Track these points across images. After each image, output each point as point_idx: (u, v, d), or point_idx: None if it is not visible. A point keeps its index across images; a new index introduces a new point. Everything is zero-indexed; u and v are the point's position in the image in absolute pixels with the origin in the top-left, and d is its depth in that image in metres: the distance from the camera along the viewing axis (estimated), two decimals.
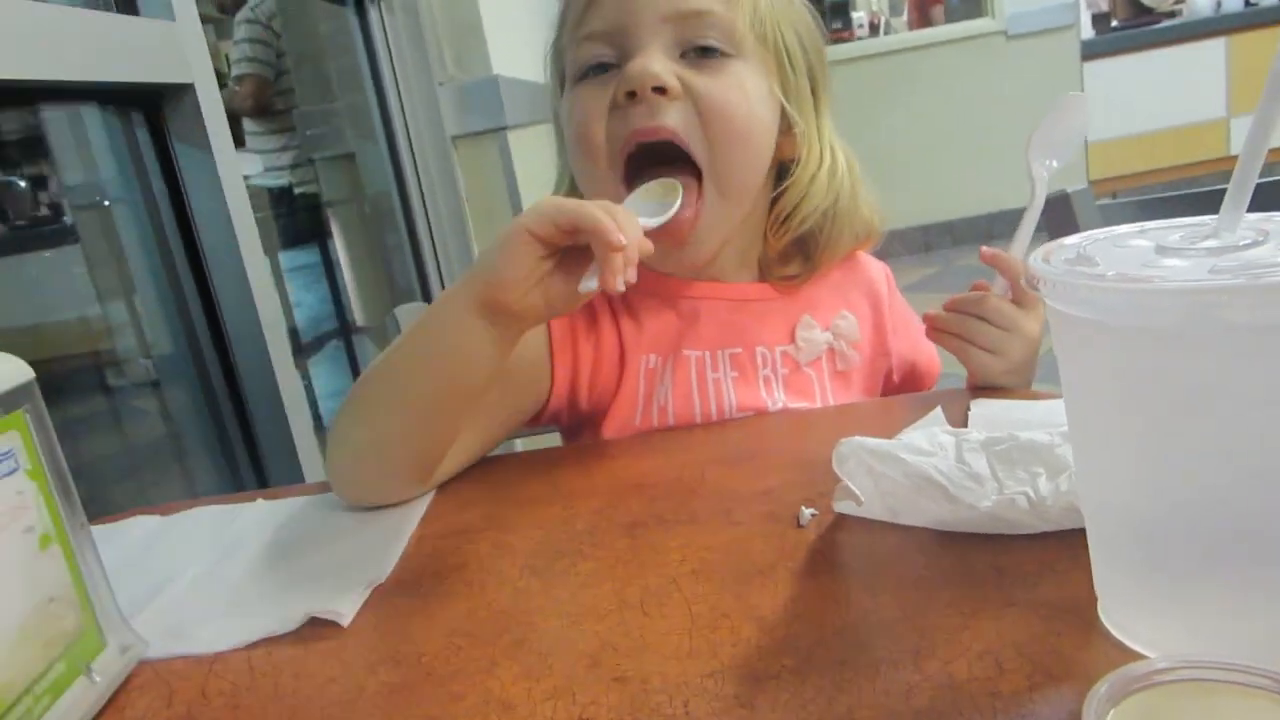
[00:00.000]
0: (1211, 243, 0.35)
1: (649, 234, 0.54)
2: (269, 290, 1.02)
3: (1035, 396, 0.64)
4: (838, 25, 5.34)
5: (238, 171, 1.02)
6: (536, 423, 0.71)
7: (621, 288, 0.49)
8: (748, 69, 0.66)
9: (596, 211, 0.50)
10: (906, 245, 4.50)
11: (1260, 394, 0.33)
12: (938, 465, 0.44)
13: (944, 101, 4.45)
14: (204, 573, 0.54)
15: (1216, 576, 0.35)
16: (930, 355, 0.80)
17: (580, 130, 0.66)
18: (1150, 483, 0.37)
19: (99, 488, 1.20)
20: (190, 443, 1.15)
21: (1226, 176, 0.37)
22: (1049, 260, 0.37)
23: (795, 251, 0.72)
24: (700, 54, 0.64)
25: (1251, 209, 0.37)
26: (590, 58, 0.66)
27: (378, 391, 0.59)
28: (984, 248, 0.66)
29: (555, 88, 0.71)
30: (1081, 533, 0.39)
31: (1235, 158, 0.36)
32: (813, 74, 0.70)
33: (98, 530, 0.61)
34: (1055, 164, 0.66)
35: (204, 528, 0.61)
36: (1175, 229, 0.38)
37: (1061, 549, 0.42)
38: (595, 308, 0.70)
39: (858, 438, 0.47)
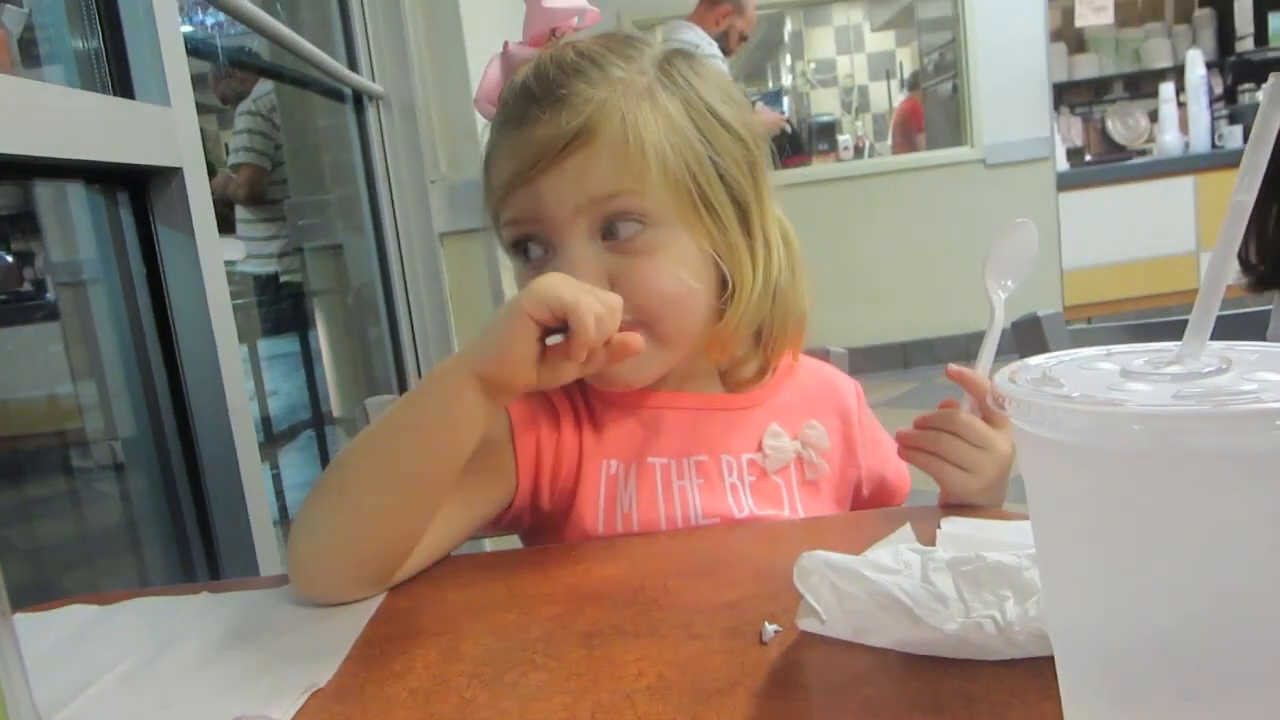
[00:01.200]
0: (1176, 368, 0.35)
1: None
2: (239, 378, 1.01)
3: (1006, 517, 0.63)
4: (824, 146, 5.55)
5: (219, 257, 1.02)
6: (499, 524, 0.69)
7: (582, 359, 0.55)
8: (671, 238, 0.65)
9: (585, 314, 0.54)
10: (886, 361, 4.55)
11: (1228, 521, 0.33)
12: (902, 584, 0.43)
13: (925, 223, 4.59)
14: (134, 669, 0.51)
15: (1190, 709, 0.34)
16: (900, 471, 0.80)
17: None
18: (1119, 610, 0.36)
19: (51, 572, 1.16)
20: (147, 530, 1.12)
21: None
22: (1015, 379, 0.37)
23: (751, 356, 0.73)
24: (618, 235, 0.64)
25: (1215, 338, 0.38)
26: (517, 236, 0.68)
27: (357, 468, 0.59)
28: (950, 365, 0.66)
29: (490, 221, 0.72)
30: (1051, 660, 0.38)
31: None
32: (745, 189, 0.68)
33: (29, 619, 0.58)
34: (1011, 284, 0.68)
35: (141, 620, 0.58)
36: (1140, 354, 0.38)
37: (1030, 677, 0.41)
38: (557, 408, 0.70)
39: (820, 552, 0.46)
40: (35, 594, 0.62)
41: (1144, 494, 0.34)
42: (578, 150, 0.63)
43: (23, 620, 0.55)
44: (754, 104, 4.87)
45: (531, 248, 0.67)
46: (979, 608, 0.42)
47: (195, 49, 1.97)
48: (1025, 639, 0.41)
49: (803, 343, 0.74)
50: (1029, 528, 0.58)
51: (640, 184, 0.64)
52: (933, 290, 4.57)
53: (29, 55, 1.00)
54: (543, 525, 0.70)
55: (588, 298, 0.55)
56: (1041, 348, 1.14)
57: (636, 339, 0.58)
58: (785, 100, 5.98)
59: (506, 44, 0.71)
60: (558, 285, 0.55)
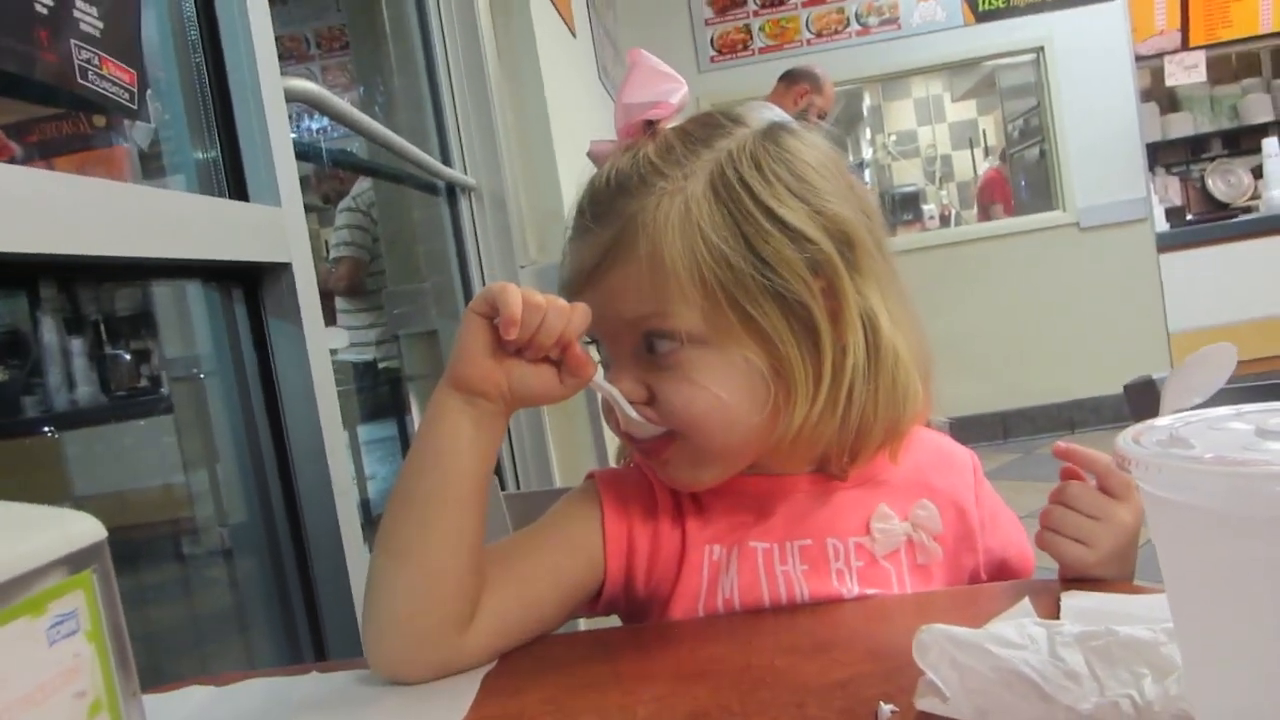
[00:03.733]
0: None
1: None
2: (343, 462, 1.04)
3: (1133, 590, 0.60)
4: (909, 216, 5.52)
5: (325, 346, 1.07)
6: (594, 610, 0.68)
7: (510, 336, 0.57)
8: (706, 355, 0.63)
9: (509, 295, 0.57)
10: (985, 432, 4.41)
11: None
12: (1029, 660, 0.41)
13: (1019, 290, 4.48)
14: None
15: None
16: (1023, 551, 0.74)
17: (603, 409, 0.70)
18: (1267, 688, 0.34)
19: (162, 656, 1.19)
20: (254, 614, 1.15)
21: None
22: (1139, 441, 0.36)
23: (834, 453, 0.67)
24: (655, 348, 0.64)
25: None
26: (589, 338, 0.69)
27: (386, 516, 0.61)
28: (1058, 443, 0.64)
29: None
30: None
31: None
32: (803, 290, 0.62)
33: (150, 700, 0.60)
34: (1196, 401, 0.63)
35: (256, 701, 0.59)
36: (1275, 412, 0.36)
37: None
38: (656, 495, 0.69)
39: (941, 626, 0.44)
40: (150, 676, 0.64)
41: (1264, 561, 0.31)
42: (611, 269, 0.63)
43: (146, 701, 0.56)
44: None
45: (599, 350, 0.68)
46: (1114, 686, 0.39)
47: (301, 152, 2.09)
48: None
49: (901, 443, 0.68)
50: (1158, 601, 0.54)
51: (667, 304, 0.62)
52: (1030, 358, 4.43)
53: (156, 167, 1.08)
54: (640, 610, 0.68)
55: (521, 291, 0.57)
56: (1155, 413, 1.08)
57: (587, 365, 0.60)
58: (867, 173, 5.99)
59: (592, 147, 0.71)
60: (506, 285, 0.58)
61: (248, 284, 1.02)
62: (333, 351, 1.17)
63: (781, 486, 0.69)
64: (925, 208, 5.57)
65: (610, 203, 0.64)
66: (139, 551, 1.28)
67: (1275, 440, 0.34)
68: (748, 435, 0.64)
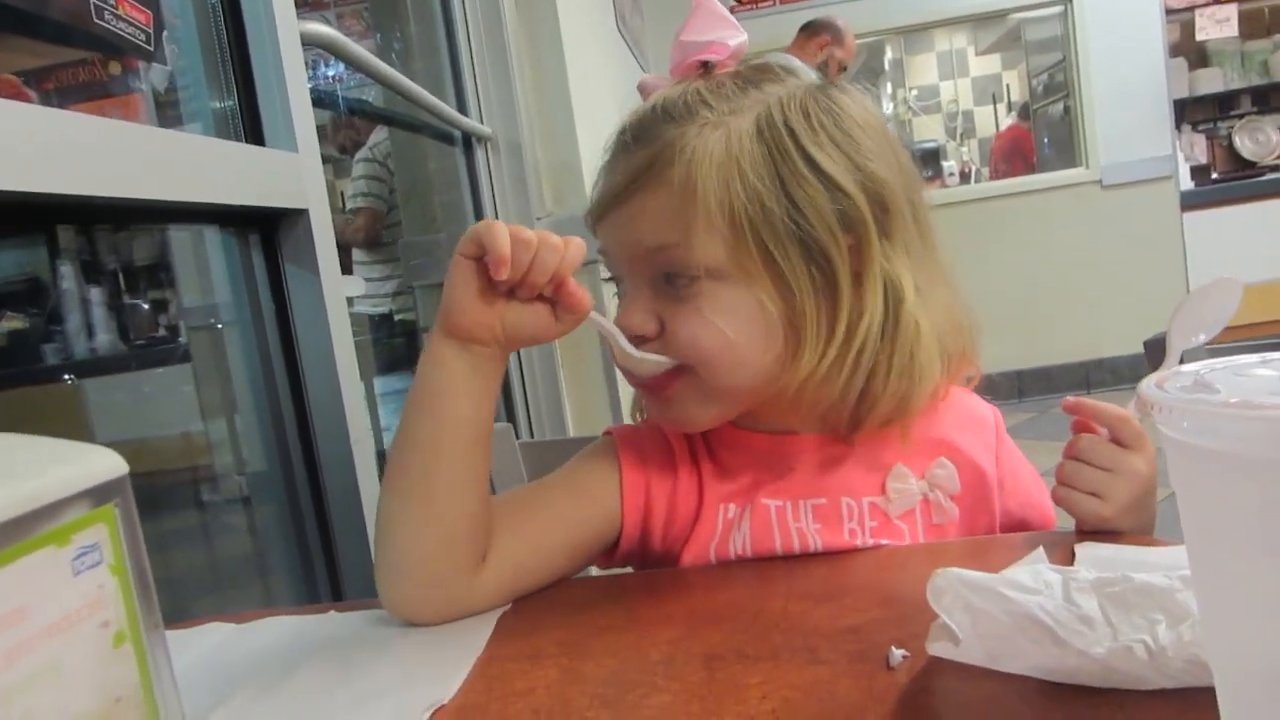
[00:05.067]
0: None
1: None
2: (360, 409, 1.05)
3: (1149, 543, 0.59)
4: (930, 173, 5.44)
5: (341, 294, 1.07)
6: (609, 562, 0.69)
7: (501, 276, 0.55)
8: (721, 291, 0.62)
9: (495, 231, 0.55)
10: (1001, 391, 4.39)
11: None
12: (1043, 604, 0.41)
13: (1039, 248, 4.43)
14: (267, 686, 0.53)
15: None
16: (1043, 512, 0.73)
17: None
18: None
19: (184, 598, 1.21)
20: (273, 558, 1.16)
21: None
22: (1163, 387, 0.35)
23: (838, 413, 0.66)
24: (673, 281, 0.63)
25: None
26: (606, 269, 0.70)
27: (392, 458, 0.61)
28: (1067, 398, 0.64)
29: None
30: (1208, 692, 0.35)
31: None
32: (829, 243, 0.62)
33: (173, 635, 0.61)
34: (1203, 338, 0.63)
35: (274, 638, 0.60)
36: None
37: (1185, 709, 0.38)
38: (675, 452, 0.69)
39: (955, 570, 0.44)
40: (172, 617, 0.66)
41: None
42: (641, 191, 0.63)
43: (169, 636, 0.57)
44: None
45: (616, 281, 0.68)
46: (1128, 631, 0.39)
47: (317, 100, 2.08)
48: (1180, 667, 0.38)
49: (912, 422, 0.67)
50: (1175, 553, 0.54)
51: (692, 234, 0.61)
52: (1048, 317, 4.39)
53: (173, 114, 1.07)
54: (655, 563, 0.69)
55: (509, 228, 0.55)
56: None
57: (583, 301, 0.58)
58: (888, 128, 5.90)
59: (644, 79, 0.71)
60: (492, 223, 0.56)
61: (265, 230, 1.02)
62: (350, 302, 1.17)
63: (796, 445, 0.68)
64: (946, 164, 5.50)
65: (652, 126, 0.64)
66: (159, 498, 1.30)
67: None
68: (752, 378, 0.64)
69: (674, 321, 0.63)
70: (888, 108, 6.11)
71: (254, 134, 1.03)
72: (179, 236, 1.22)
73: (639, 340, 0.64)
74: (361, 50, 1.43)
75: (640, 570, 0.70)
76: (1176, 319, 0.63)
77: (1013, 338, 4.32)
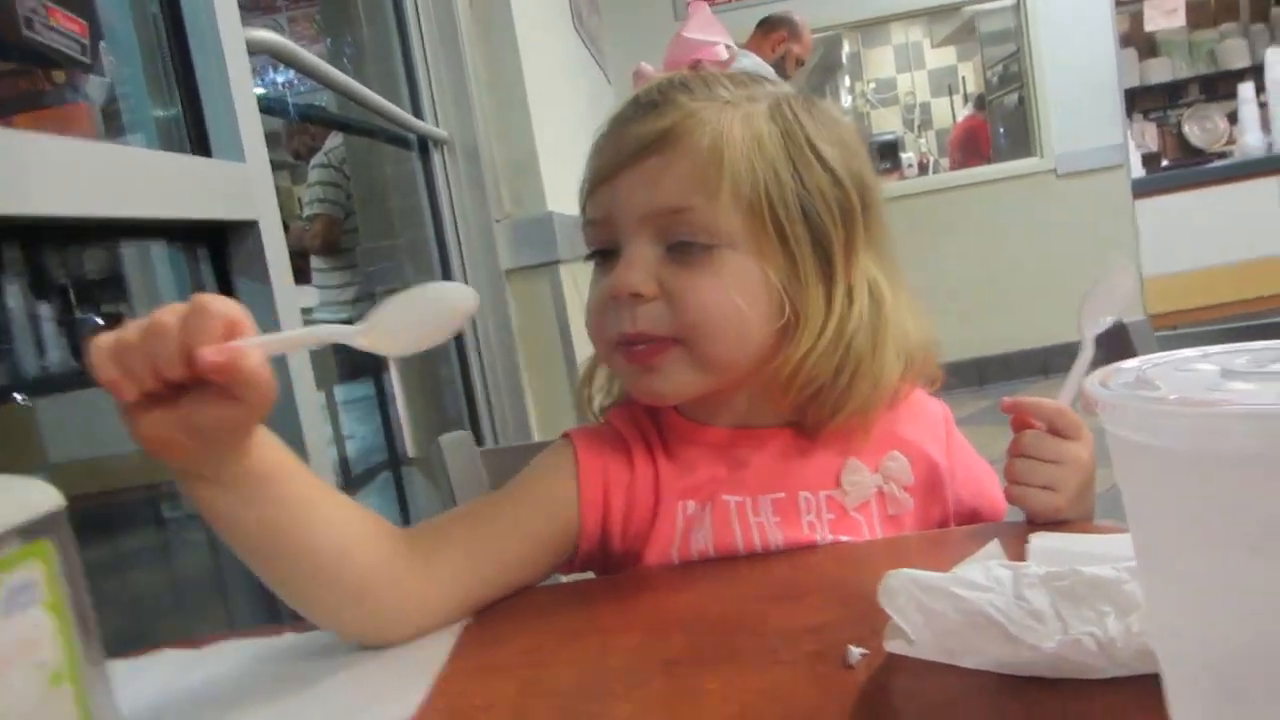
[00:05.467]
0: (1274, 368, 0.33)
1: None
2: (317, 423, 1.03)
3: (1098, 530, 0.60)
4: (887, 165, 5.49)
5: (295, 305, 1.05)
6: (570, 568, 0.69)
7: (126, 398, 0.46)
8: (734, 260, 0.64)
9: (99, 364, 0.46)
10: (962, 378, 4.44)
11: None
12: (994, 602, 0.41)
13: (996, 237, 4.49)
14: (225, 713, 0.52)
15: None
16: (994, 501, 0.75)
17: (587, 320, 0.70)
18: (1227, 622, 0.34)
19: (143, 620, 1.19)
20: (232, 575, 1.14)
21: None
22: (1107, 384, 0.36)
23: (813, 405, 0.68)
24: (682, 248, 0.64)
25: None
26: (592, 242, 0.69)
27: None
28: (1005, 399, 0.65)
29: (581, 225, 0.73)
30: (1156, 678, 0.36)
31: None
32: (830, 230, 0.66)
33: (122, 664, 0.60)
34: (1110, 320, 0.67)
35: (231, 663, 0.59)
36: (1241, 353, 0.36)
37: (1135, 696, 0.39)
38: (631, 451, 0.69)
39: (907, 570, 0.44)
40: (132, 642, 0.64)
41: (1251, 499, 0.32)
42: (659, 152, 0.64)
43: (117, 667, 0.56)
44: None
45: (605, 252, 0.68)
46: (1078, 624, 0.40)
47: (267, 107, 2.05)
48: (1129, 656, 0.39)
49: (877, 412, 0.69)
50: (1124, 541, 0.55)
51: (712, 200, 0.63)
52: (1007, 304, 4.45)
53: (114, 126, 1.05)
54: (616, 565, 0.69)
55: (105, 339, 0.46)
56: (1129, 356, 1.09)
57: (231, 368, 0.45)
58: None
59: (640, 66, 0.74)
60: (93, 341, 0.46)
61: (214, 243, 1.00)
62: (306, 310, 1.15)
63: (754, 440, 0.69)
64: (904, 156, 5.55)
65: (672, 95, 0.66)
66: (116, 517, 1.27)
67: (1239, 380, 0.34)
68: (750, 353, 0.65)
69: (683, 286, 0.64)
70: (846, 101, 6.16)
71: (200, 144, 1.01)
72: (131, 250, 1.19)
73: (635, 299, 0.64)
74: (311, 56, 1.40)
75: (602, 574, 0.70)
76: (1085, 308, 0.67)
77: (972, 326, 4.37)
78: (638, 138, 0.65)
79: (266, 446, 0.52)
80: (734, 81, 0.69)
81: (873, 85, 6.32)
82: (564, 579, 0.72)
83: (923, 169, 5.54)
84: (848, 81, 6.25)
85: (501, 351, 2.04)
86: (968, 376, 4.48)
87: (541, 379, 2.03)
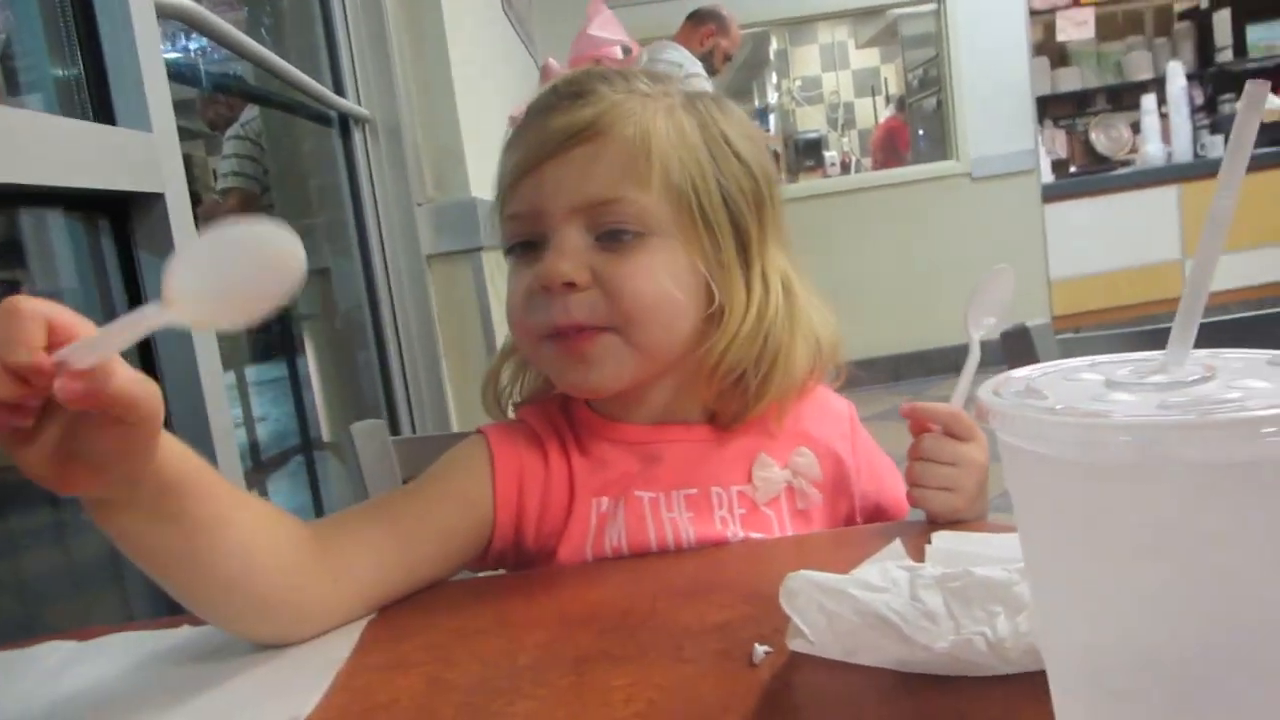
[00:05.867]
0: (1160, 378, 0.35)
1: None
2: (222, 403, 1.00)
3: (994, 529, 0.63)
4: (811, 163, 5.58)
5: None
6: (482, 564, 0.68)
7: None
8: (664, 247, 0.65)
9: None
10: (878, 375, 4.55)
11: (1215, 532, 0.32)
12: (890, 603, 0.42)
13: (912, 237, 4.61)
14: (110, 706, 0.50)
15: None
16: (897, 496, 0.77)
17: (510, 313, 0.69)
18: (1106, 624, 0.36)
19: (38, 606, 1.14)
20: (129, 562, 1.10)
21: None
22: (999, 392, 0.37)
23: (734, 394, 0.69)
24: (613, 237, 0.64)
25: (1200, 346, 0.37)
26: (513, 236, 0.69)
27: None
28: (902, 405, 0.68)
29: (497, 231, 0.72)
30: (1044, 674, 0.37)
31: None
32: (747, 219, 0.68)
33: (4, 656, 0.57)
34: (991, 322, 0.71)
35: (120, 656, 0.56)
36: (1124, 364, 0.38)
37: (1026, 692, 0.40)
38: (545, 448, 0.69)
39: (807, 572, 0.45)
40: (23, 629, 0.61)
41: (1130, 506, 0.33)
42: (587, 142, 0.64)
43: (0, 657, 0.54)
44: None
45: (528, 244, 0.67)
46: (969, 624, 0.41)
47: (179, 74, 1.97)
48: (1018, 655, 0.41)
49: (790, 405, 0.72)
50: (1018, 540, 0.57)
51: (641, 189, 0.64)
52: (923, 303, 4.58)
53: (9, 83, 1.00)
54: (528, 562, 0.69)
55: None
56: (1030, 358, 1.14)
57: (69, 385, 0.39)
58: (771, 118, 6.01)
59: (549, 61, 0.75)
60: None
61: (116, 215, 0.96)
62: None
63: (669, 436, 0.70)
64: (827, 154, 5.64)
65: (594, 87, 0.67)
66: (10, 496, 1.21)
67: (1122, 391, 0.35)
68: (680, 339, 0.67)
69: (617, 274, 0.64)
70: (772, 97, 6.22)
71: (104, 110, 0.96)
72: (29, 218, 1.13)
73: (567, 289, 0.64)
74: (224, 24, 1.35)
75: (515, 569, 0.70)
76: (969, 312, 0.70)
77: (889, 323, 4.48)
78: (563, 128, 0.65)
79: (171, 460, 0.48)
80: (648, 76, 0.70)
81: (798, 83, 6.40)
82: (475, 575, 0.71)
83: (845, 168, 5.65)
84: (774, 78, 6.31)
85: (421, 337, 2.00)
86: (882, 373, 4.59)
87: (462, 367, 2.01)
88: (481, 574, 0.69)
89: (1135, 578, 0.34)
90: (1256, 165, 4.29)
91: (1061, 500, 0.36)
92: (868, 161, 5.76)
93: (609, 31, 0.75)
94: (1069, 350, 1.00)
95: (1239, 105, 0.35)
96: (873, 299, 4.41)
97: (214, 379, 0.99)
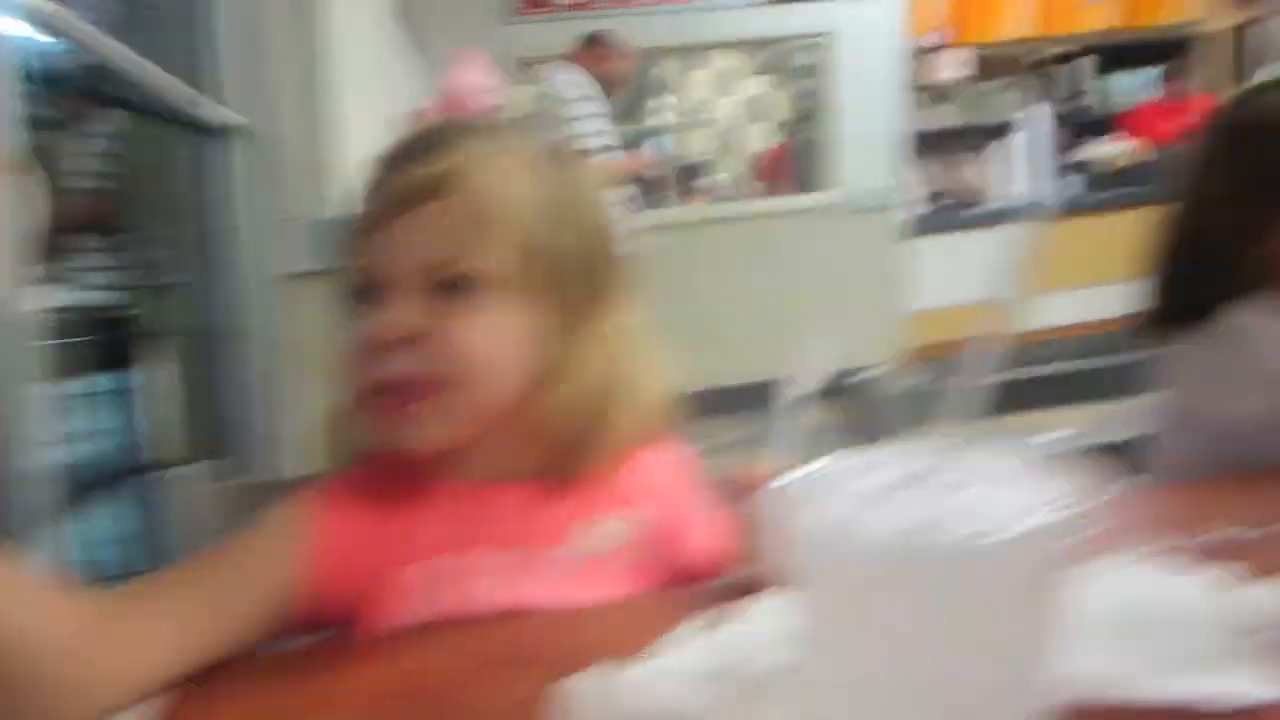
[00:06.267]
0: (912, 490, 0.38)
1: None
2: (31, 422, 0.94)
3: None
4: (692, 186, 5.65)
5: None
6: (292, 632, 0.64)
7: None
8: (501, 305, 0.65)
9: None
10: (735, 403, 4.61)
11: (954, 638, 0.35)
12: (679, 693, 0.43)
13: (783, 266, 4.68)
14: None
15: None
16: (722, 556, 0.74)
17: (345, 360, 0.68)
18: (876, 716, 0.38)
19: None
20: None
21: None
22: (788, 486, 0.40)
23: (563, 453, 0.69)
24: (452, 288, 0.64)
25: (1028, 398, 0.40)
26: (355, 282, 0.68)
27: None
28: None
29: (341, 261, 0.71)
30: None
31: (1036, 330, 0.39)
32: (590, 279, 0.69)
33: None
34: (816, 382, 0.75)
35: None
36: (931, 456, 0.40)
37: None
38: (365, 515, 0.67)
39: (586, 681, 0.46)
40: None
41: (884, 612, 0.36)
42: (436, 197, 0.64)
43: None
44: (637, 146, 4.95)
45: (369, 294, 0.66)
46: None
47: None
48: None
49: (621, 465, 0.71)
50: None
51: (486, 247, 0.64)
52: (787, 332, 4.64)
53: None
54: (343, 628, 0.66)
55: None
56: (872, 409, 1.19)
57: None
58: (660, 140, 6.07)
59: (421, 102, 0.74)
60: None
61: None
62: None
63: (492, 496, 0.69)
64: (713, 179, 5.75)
65: (443, 141, 0.67)
66: None
67: (907, 489, 0.38)
68: (508, 396, 0.66)
69: (451, 327, 0.64)
70: (663, 119, 6.30)
71: None
72: None
73: (401, 343, 0.63)
74: (67, 15, 1.25)
75: (328, 634, 0.67)
76: (796, 373, 0.74)
77: (752, 352, 4.53)
78: (413, 182, 0.65)
79: None
80: (504, 130, 0.71)
81: (689, 107, 6.49)
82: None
83: (725, 196, 5.76)
84: (666, 101, 6.39)
85: (279, 361, 1.93)
86: (749, 400, 4.66)
87: (320, 393, 1.94)
88: (290, 642, 0.66)
89: (897, 673, 0.37)
90: (1103, 207, 4.62)
91: (830, 600, 0.39)
92: (750, 189, 5.89)
93: (480, 77, 0.78)
94: (924, 386, 1.05)
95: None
96: (740, 327, 4.42)
97: (22, 393, 0.93)
